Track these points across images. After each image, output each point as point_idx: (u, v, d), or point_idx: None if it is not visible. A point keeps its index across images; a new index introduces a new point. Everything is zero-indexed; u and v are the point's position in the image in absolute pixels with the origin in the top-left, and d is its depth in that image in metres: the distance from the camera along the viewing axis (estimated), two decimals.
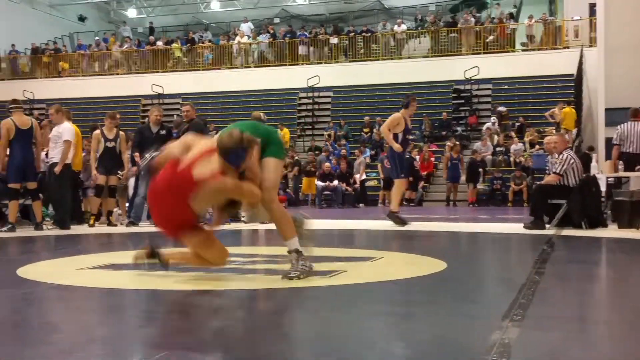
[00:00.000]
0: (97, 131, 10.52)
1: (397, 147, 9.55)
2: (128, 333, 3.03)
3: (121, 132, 10.66)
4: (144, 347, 2.69)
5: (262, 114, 11.52)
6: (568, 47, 23.29)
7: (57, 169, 9.58)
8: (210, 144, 4.22)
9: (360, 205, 18.85)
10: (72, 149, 9.86)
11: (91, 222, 10.41)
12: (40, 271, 4.80)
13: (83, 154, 10.99)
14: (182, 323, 3.19)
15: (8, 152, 9.41)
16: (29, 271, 4.76)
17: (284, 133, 21.54)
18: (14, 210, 9.43)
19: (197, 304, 3.58)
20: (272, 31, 27.07)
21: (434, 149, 21.17)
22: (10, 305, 3.80)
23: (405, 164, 10.20)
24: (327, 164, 19.27)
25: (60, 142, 9.63)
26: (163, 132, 10.30)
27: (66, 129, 9.75)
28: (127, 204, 11.11)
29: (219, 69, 26.62)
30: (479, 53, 24.08)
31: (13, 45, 28.25)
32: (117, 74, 27.33)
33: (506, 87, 23.53)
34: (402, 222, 9.57)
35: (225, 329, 3.09)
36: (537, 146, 19.67)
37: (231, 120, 22.37)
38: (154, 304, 3.77)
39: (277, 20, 30.97)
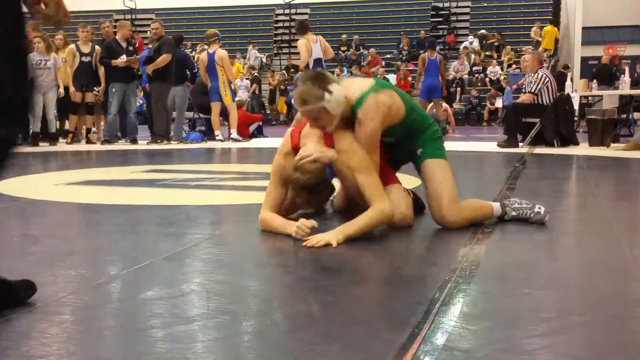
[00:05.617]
0: (72, 45, 10.24)
1: None
2: (106, 246, 3.07)
3: (97, 47, 10.29)
4: (123, 259, 2.74)
5: (216, 31, 11.35)
6: None
7: None
8: None
9: None
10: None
11: (68, 139, 10.34)
12: (15, 187, 4.79)
13: None
14: (159, 237, 3.23)
15: None
16: (2, 186, 4.75)
17: (237, 67, 20.54)
18: None
19: (178, 217, 3.63)
20: None
21: (411, 68, 21.07)
22: None
23: None
24: None
25: None
26: (131, 48, 10.26)
27: None
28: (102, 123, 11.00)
29: None
30: None
31: None
32: None
33: (485, 4, 23.28)
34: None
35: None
36: (514, 65, 19.66)
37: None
38: (131, 218, 3.80)
39: None
